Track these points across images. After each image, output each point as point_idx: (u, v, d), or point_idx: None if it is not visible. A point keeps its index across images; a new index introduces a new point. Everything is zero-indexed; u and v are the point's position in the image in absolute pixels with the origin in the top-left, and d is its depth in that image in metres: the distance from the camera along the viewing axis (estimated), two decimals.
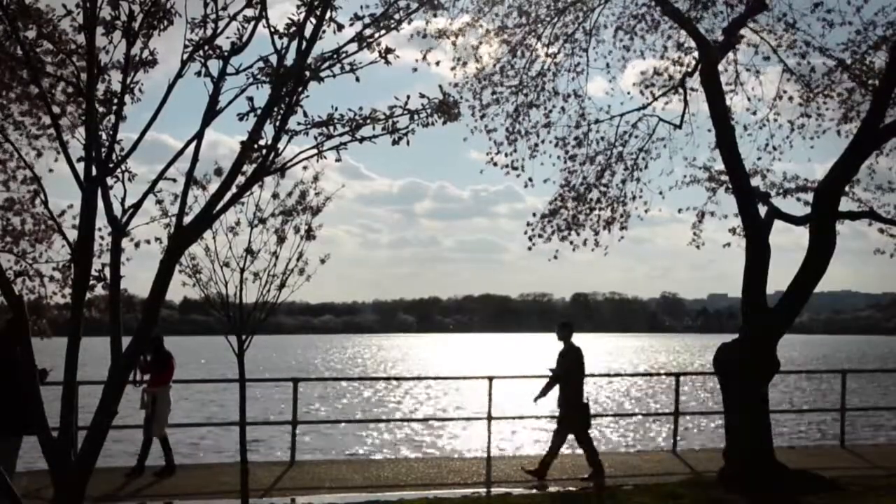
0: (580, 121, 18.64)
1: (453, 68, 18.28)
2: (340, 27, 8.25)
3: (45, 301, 13.14)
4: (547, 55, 18.74)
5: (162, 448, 17.78)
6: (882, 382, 54.60)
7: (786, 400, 44.02)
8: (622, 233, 18.76)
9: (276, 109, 8.31)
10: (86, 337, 9.20)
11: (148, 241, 10.36)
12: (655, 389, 51.73)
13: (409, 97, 8.50)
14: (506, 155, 18.43)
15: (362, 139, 8.55)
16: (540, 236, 18.43)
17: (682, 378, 22.04)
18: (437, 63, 17.48)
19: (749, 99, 18.64)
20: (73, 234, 9.51)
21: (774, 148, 18.62)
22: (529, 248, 18.46)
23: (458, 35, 17.93)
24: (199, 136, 8.47)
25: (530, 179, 18.40)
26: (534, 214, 18.63)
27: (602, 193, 18.59)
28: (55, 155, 11.68)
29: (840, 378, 23.20)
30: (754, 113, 18.70)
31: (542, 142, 18.53)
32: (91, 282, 8.90)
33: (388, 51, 8.48)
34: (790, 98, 18.46)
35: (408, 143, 8.68)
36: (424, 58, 17.37)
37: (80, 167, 8.72)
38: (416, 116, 8.53)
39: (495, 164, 18.50)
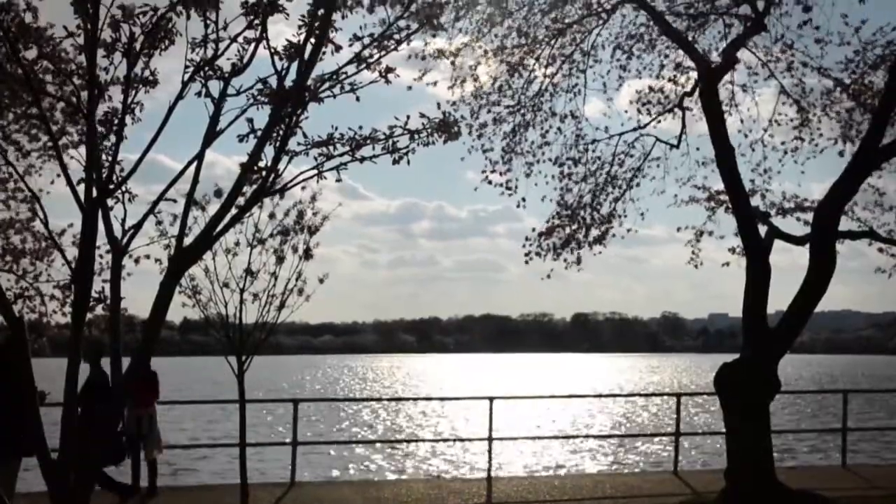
0: (577, 141, 18.66)
1: (451, 87, 18.33)
2: (339, 48, 8.27)
3: (46, 319, 13.13)
4: (545, 76, 18.77)
5: (150, 471, 17.70)
6: (884, 403, 54.53)
7: (787, 420, 43.95)
8: (599, 248, 18.79)
9: (276, 131, 8.32)
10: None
11: (147, 257, 10.38)
12: (656, 409, 51.67)
13: (408, 117, 8.53)
14: (500, 174, 18.46)
15: (363, 159, 8.56)
16: (538, 254, 18.43)
17: (683, 398, 22.01)
18: (435, 83, 17.56)
19: (742, 121, 18.69)
20: (73, 252, 9.52)
21: (766, 171, 18.68)
22: (526, 263, 18.41)
23: (456, 55, 17.97)
24: (199, 157, 8.49)
25: (523, 199, 18.43)
26: (533, 229, 18.63)
27: (595, 210, 18.60)
28: (53, 176, 11.72)
29: (841, 398, 23.17)
30: (746, 136, 18.74)
31: (538, 161, 18.57)
32: (91, 303, 8.91)
33: (389, 70, 8.51)
34: (785, 123, 18.49)
35: (408, 162, 8.70)
36: (422, 78, 17.45)
37: (80, 188, 8.72)
38: (416, 136, 8.54)
39: (490, 183, 18.53)
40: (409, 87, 17.53)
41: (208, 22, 8.24)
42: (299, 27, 8.19)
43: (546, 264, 18.48)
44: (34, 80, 8.97)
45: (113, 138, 8.75)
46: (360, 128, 8.54)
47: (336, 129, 8.49)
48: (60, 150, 9.25)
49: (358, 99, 8.46)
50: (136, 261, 10.04)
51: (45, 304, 13.11)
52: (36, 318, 12.98)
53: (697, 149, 18.34)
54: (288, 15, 8.13)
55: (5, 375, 12.03)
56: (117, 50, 8.28)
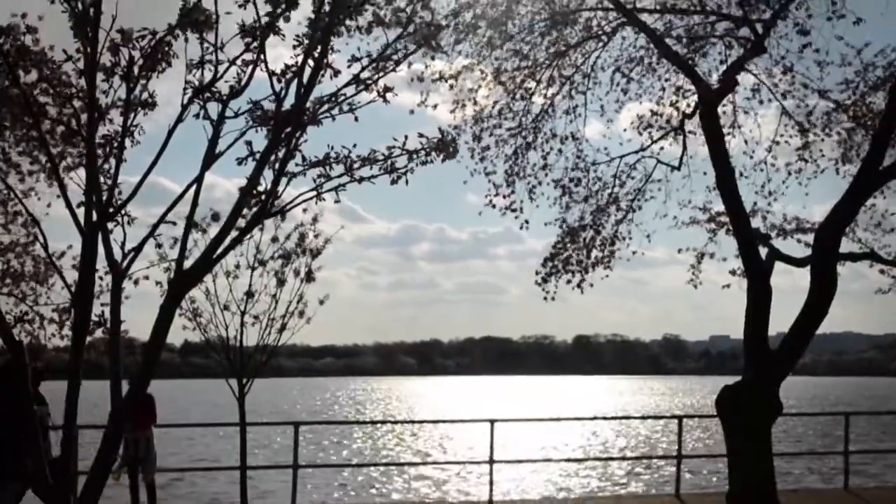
0: (578, 162, 18.67)
1: (452, 111, 18.34)
2: (337, 73, 8.27)
3: (44, 343, 13.09)
4: (545, 97, 18.78)
5: (149, 494, 17.63)
6: (886, 425, 54.36)
7: (789, 442, 43.81)
8: (606, 272, 18.76)
9: (274, 154, 8.31)
10: (85, 380, 9.16)
11: (146, 278, 10.34)
12: (658, 432, 51.53)
13: (406, 137, 8.52)
14: (504, 197, 18.46)
15: (361, 179, 8.55)
16: (545, 280, 18.39)
17: (685, 420, 21.93)
18: (435, 106, 17.56)
19: (746, 142, 18.67)
20: (72, 275, 9.49)
21: (770, 193, 18.66)
22: (545, 299, 18.39)
23: (456, 78, 17.99)
24: (198, 180, 8.48)
25: (527, 221, 18.44)
26: (542, 264, 18.59)
27: (597, 232, 18.59)
28: (52, 199, 11.70)
29: (843, 420, 23.09)
30: (750, 157, 18.72)
31: (540, 183, 18.56)
32: (91, 326, 8.88)
33: (387, 89, 8.49)
34: (787, 142, 18.48)
35: (406, 182, 8.69)
36: (423, 103, 17.46)
37: (80, 212, 8.71)
38: (414, 156, 8.54)
39: (494, 207, 18.54)
40: (412, 112, 17.54)
41: (205, 44, 8.23)
42: (294, 47, 8.18)
43: (550, 285, 18.46)
44: (34, 103, 8.97)
45: (112, 162, 8.75)
46: (355, 146, 8.53)
47: (332, 148, 8.48)
48: (60, 174, 9.25)
49: (356, 119, 8.46)
50: (136, 282, 10.00)
51: (45, 328, 13.09)
52: (34, 341, 12.94)
53: (705, 174, 18.23)
54: (284, 37, 8.13)
55: (5, 399, 12.01)
56: (116, 73, 8.28)
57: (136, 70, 8.27)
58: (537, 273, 18.51)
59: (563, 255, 18.49)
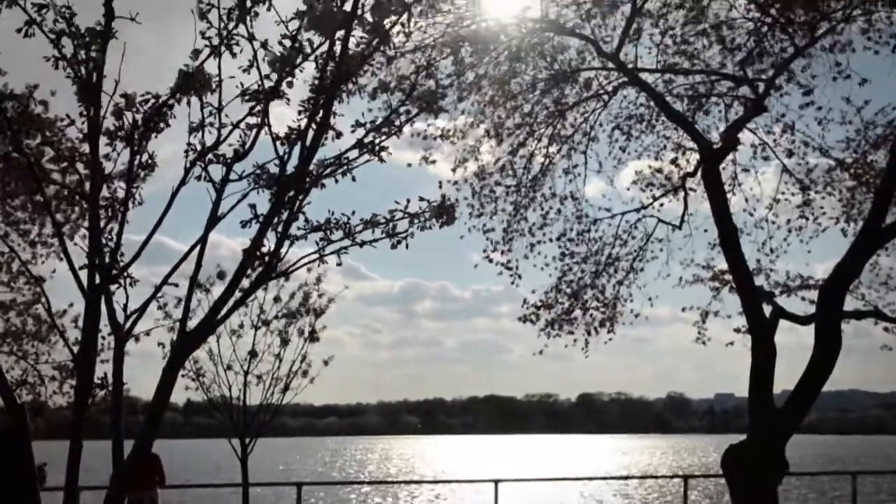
0: (578, 220, 18.67)
1: (454, 168, 18.39)
2: (339, 135, 8.32)
3: (45, 400, 13.09)
4: (545, 156, 18.83)
5: None
6: (892, 483, 53.84)
7: (795, 502, 43.39)
8: (609, 336, 18.73)
9: (277, 217, 8.33)
10: (86, 440, 9.14)
11: (147, 333, 10.36)
12: (664, 492, 51.08)
13: (408, 201, 8.55)
14: (502, 253, 18.46)
15: (363, 243, 8.58)
16: (532, 322, 18.34)
17: (690, 480, 21.74)
18: (433, 162, 17.68)
19: (747, 200, 18.70)
20: (74, 334, 9.50)
21: (772, 250, 18.64)
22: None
23: (457, 136, 18.07)
24: (202, 241, 8.49)
25: (519, 277, 18.44)
26: (533, 304, 18.49)
27: (600, 292, 18.55)
28: (56, 263, 11.75)
29: (850, 480, 22.90)
30: (752, 214, 18.74)
31: (539, 242, 18.56)
32: (93, 389, 8.87)
33: (382, 148, 8.53)
34: (787, 199, 18.51)
35: (406, 246, 8.71)
36: (426, 160, 17.54)
37: (83, 274, 8.73)
38: (415, 220, 8.56)
39: (490, 261, 18.53)
40: (409, 164, 17.53)
41: (206, 105, 8.26)
42: (300, 112, 8.23)
43: (542, 340, 18.44)
44: (38, 168, 9.02)
45: (115, 224, 8.77)
46: (353, 213, 8.58)
47: (333, 213, 8.52)
48: (63, 237, 9.28)
49: (354, 179, 8.52)
50: (137, 338, 10.00)
51: (45, 385, 13.08)
52: (35, 398, 12.92)
53: (705, 231, 18.24)
54: (289, 101, 8.18)
55: (7, 461, 11.94)
56: (120, 138, 8.32)
57: (137, 134, 8.30)
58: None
59: (558, 309, 18.42)
